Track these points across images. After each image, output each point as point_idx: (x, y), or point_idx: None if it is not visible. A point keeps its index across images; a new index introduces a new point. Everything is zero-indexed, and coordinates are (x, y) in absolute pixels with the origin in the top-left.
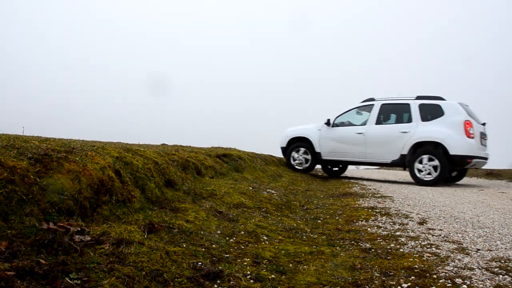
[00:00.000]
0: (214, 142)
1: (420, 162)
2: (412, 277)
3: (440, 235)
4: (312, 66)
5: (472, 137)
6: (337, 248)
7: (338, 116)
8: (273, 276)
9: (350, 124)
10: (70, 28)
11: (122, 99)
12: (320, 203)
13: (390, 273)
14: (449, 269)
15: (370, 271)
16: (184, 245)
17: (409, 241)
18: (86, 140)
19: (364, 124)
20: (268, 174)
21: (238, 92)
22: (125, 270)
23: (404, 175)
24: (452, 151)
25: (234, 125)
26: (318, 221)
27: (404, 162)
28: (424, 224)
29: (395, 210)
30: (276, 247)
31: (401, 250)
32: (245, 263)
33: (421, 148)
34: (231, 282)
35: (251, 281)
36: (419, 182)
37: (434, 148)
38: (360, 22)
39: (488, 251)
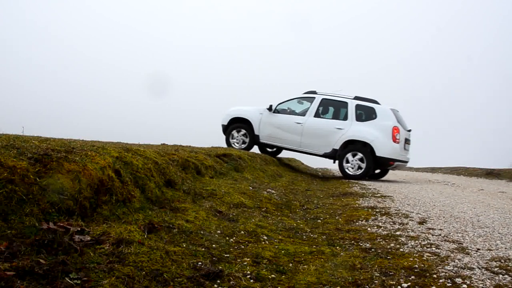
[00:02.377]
0: (214, 142)
1: (349, 158)
2: (412, 277)
3: (440, 234)
4: (312, 66)
5: (398, 142)
6: (337, 247)
7: (280, 103)
8: (273, 276)
9: (291, 113)
10: (70, 28)
11: (122, 99)
12: (320, 202)
13: (390, 273)
14: (449, 268)
15: (370, 270)
16: (184, 245)
17: (409, 241)
18: (86, 140)
19: (303, 114)
20: (268, 174)
21: (238, 92)
22: (125, 270)
23: (404, 174)
24: (378, 153)
25: None
26: (318, 221)
27: (335, 155)
28: (424, 223)
29: (395, 210)
30: (276, 247)
31: (401, 249)
32: (245, 263)
33: (351, 145)
34: (231, 282)
35: (251, 281)
36: (345, 175)
37: (363, 147)
38: (360, 23)
39: (488, 251)
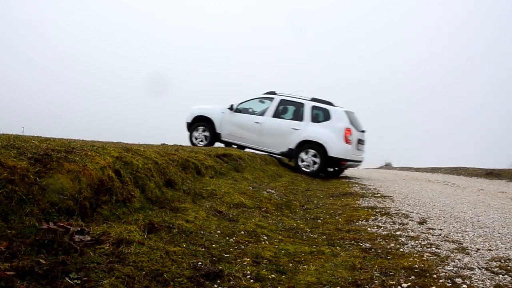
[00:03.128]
0: None
1: (303, 157)
2: (412, 277)
3: (440, 234)
4: (312, 66)
5: (350, 143)
6: (337, 248)
7: (241, 103)
8: (273, 276)
9: (251, 112)
10: (70, 28)
11: (122, 99)
12: (320, 203)
13: (390, 273)
14: (449, 268)
15: (370, 270)
16: (184, 245)
17: (409, 241)
18: (86, 140)
19: (262, 114)
20: (268, 174)
21: (238, 92)
22: (125, 270)
23: (404, 174)
24: (330, 153)
25: None
26: (318, 221)
27: (291, 154)
28: (424, 224)
29: (395, 210)
30: (276, 247)
31: (401, 250)
32: (245, 263)
33: (306, 144)
34: (231, 282)
35: (251, 281)
36: (300, 171)
37: (316, 147)
38: (360, 23)
39: (488, 251)
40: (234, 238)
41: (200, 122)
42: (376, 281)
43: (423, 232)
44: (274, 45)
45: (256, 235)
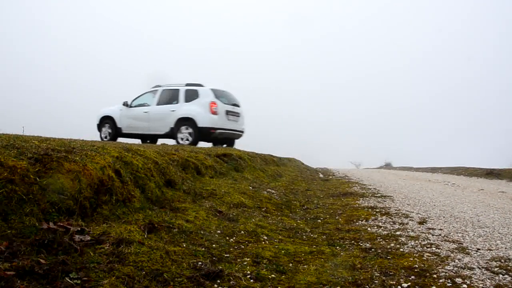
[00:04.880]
0: None
1: (181, 132)
2: (412, 277)
3: (440, 234)
4: (312, 69)
5: (216, 114)
6: (337, 247)
7: (134, 99)
8: (273, 275)
9: (141, 105)
10: (70, 29)
11: (122, 99)
12: (320, 202)
13: (390, 273)
14: (449, 268)
15: (370, 270)
16: (184, 245)
17: (409, 241)
18: (86, 140)
19: (149, 105)
20: (268, 174)
21: (238, 92)
22: (125, 269)
23: (404, 174)
24: (199, 124)
25: None
26: (318, 220)
27: (173, 132)
28: (424, 223)
29: (395, 210)
30: (276, 246)
31: (401, 249)
32: (245, 263)
33: (182, 121)
34: (231, 282)
35: (251, 280)
36: (179, 144)
37: (189, 122)
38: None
39: (488, 251)
40: (234, 238)
41: (105, 121)
42: (376, 281)
43: (423, 232)
44: (274, 46)
45: (256, 235)
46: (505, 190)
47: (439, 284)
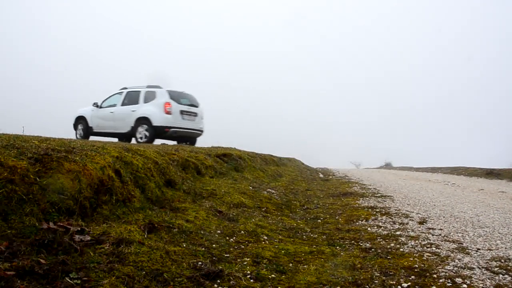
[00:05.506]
0: (214, 142)
1: (139, 130)
2: (412, 277)
3: (440, 234)
4: (312, 70)
5: (170, 114)
6: (337, 247)
7: (104, 100)
8: (273, 275)
9: (109, 106)
10: (70, 28)
11: None
12: (320, 202)
13: (390, 273)
14: (449, 268)
15: (370, 270)
16: (184, 245)
17: (409, 241)
18: (86, 139)
19: (115, 105)
20: (268, 174)
21: (237, 91)
22: (125, 269)
23: (404, 174)
24: (154, 123)
25: (234, 125)
26: (318, 220)
27: (133, 131)
28: (424, 223)
29: (395, 210)
30: (276, 246)
31: (401, 249)
32: (245, 263)
33: (141, 121)
34: (231, 282)
35: (251, 280)
36: (139, 142)
37: (146, 121)
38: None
39: (488, 251)
40: (234, 238)
41: (80, 121)
42: (376, 281)
43: (423, 232)
44: (274, 46)
45: (256, 235)
46: (505, 190)
47: (439, 284)
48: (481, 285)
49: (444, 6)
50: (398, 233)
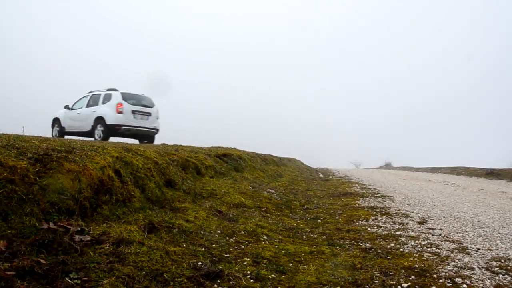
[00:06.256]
0: (214, 142)
1: (97, 129)
2: (412, 277)
3: (440, 234)
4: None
5: (121, 113)
6: (337, 247)
7: (74, 103)
8: (273, 275)
9: (77, 108)
10: (71, 28)
11: None
12: (320, 202)
13: (390, 273)
14: (449, 268)
15: (370, 270)
16: (184, 245)
17: (409, 241)
18: (86, 139)
19: (81, 107)
20: (268, 174)
21: (237, 91)
22: (125, 269)
23: (404, 174)
24: (107, 122)
25: (234, 125)
26: (318, 220)
27: (93, 130)
28: (424, 223)
29: (395, 210)
30: (276, 246)
31: (401, 249)
32: (245, 263)
33: (99, 120)
34: (231, 282)
35: (251, 280)
36: (96, 139)
37: (102, 120)
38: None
39: (488, 251)
40: (234, 238)
41: (55, 122)
42: (376, 281)
43: (423, 232)
44: (274, 47)
45: (256, 235)
46: (505, 190)
47: (439, 284)
48: (481, 285)
49: (442, 6)
50: (398, 233)
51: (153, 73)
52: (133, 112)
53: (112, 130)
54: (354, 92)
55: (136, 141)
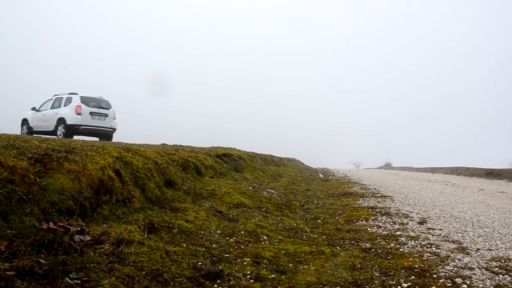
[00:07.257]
0: (214, 142)
1: (59, 128)
2: (412, 277)
3: (440, 234)
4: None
5: (80, 114)
6: (337, 248)
7: (41, 105)
8: (273, 276)
9: (43, 109)
10: (71, 28)
11: (122, 99)
12: (320, 203)
13: (390, 273)
14: (449, 268)
15: (370, 270)
16: (184, 245)
17: (409, 241)
18: (86, 140)
19: (46, 109)
20: (268, 174)
21: (237, 92)
22: (125, 270)
23: (404, 174)
24: (67, 122)
25: (234, 125)
26: (318, 221)
27: (56, 129)
28: (424, 223)
29: (395, 210)
30: (276, 247)
31: (401, 249)
32: (245, 263)
33: (61, 121)
34: (231, 282)
35: (251, 280)
36: (58, 137)
37: (63, 121)
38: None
39: (488, 251)
40: (234, 238)
41: (24, 122)
42: (376, 281)
43: (423, 232)
44: (274, 47)
45: (256, 235)
46: (505, 190)
47: (439, 284)
48: (481, 285)
49: (439, 7)
50: (398, 233)
51: (153, 73)
52: (91, 113)
53: (72, 129)
54: (354, 93)
55: (136, 141)
